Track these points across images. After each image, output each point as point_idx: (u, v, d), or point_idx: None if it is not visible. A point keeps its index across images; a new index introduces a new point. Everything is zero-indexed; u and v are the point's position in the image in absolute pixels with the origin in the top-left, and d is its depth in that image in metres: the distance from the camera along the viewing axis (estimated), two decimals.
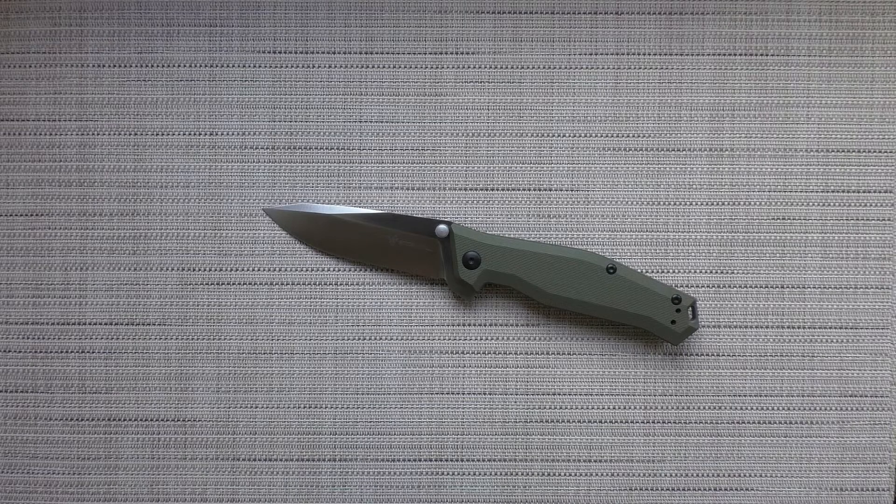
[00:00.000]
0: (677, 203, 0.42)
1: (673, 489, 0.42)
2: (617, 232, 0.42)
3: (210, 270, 0.42)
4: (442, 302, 0.43)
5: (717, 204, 0.42)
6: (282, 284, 0.42)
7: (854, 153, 0.42)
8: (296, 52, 0.42)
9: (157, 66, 0.42)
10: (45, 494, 0.43)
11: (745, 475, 0.42)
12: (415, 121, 0.42)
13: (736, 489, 0.42)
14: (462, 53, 0.42)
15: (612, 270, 0.40)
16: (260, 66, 0.42)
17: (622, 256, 0.42)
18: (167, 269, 0.42)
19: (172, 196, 0.42)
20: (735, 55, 0.42)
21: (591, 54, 0.42)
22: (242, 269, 0.42)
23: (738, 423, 0.42)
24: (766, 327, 0.42)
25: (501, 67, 0.42)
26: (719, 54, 0.42)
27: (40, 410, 0.43)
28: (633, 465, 0.42)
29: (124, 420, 0.42)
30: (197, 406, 0.42)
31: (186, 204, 0.42)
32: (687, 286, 0.42)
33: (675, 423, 0.42)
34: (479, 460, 0.42)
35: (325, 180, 0.42)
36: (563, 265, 0.40)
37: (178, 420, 0.42)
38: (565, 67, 0.42)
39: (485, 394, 0.42)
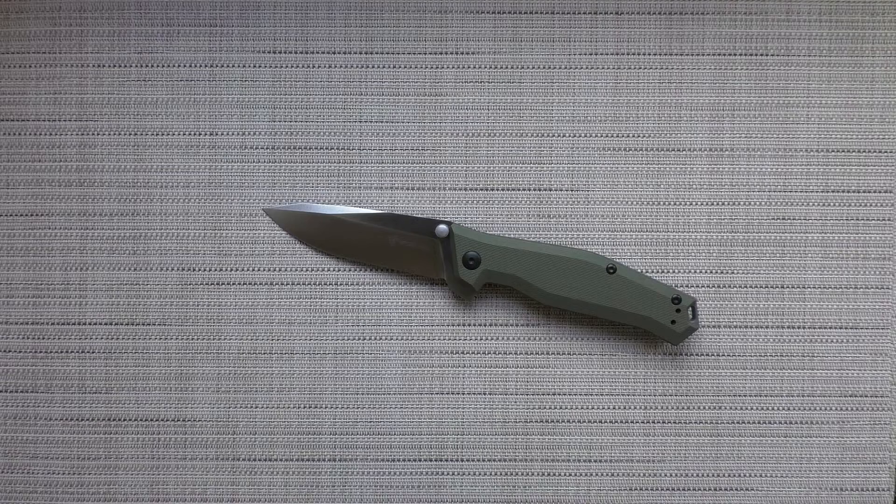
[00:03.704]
0: (677, 203, 0.42)
1: (673, 489, 0.42)
2: (617, 232, 0.42)
3: (210, 270, 0.42)
4: (442, 302, 0.43)
5: (717, 204, 0.42)
6: (282, 284, 0.42)
7: (854, 153, 0.42)
8: (296, 52, 0.42)
9: (157, 66, 0.42)
10: (45, 494, 0.43)
11: (745, 475, 0.42)
12: (415, 121, 0.42)
13: (736, 489, 0.42)
14: (462, 53, 0.42)
15: (612, 270, 0.40)
16: (260, 66, 0.42)
17: (622, 256, 0.42)
18: (167, 269, 0.42)
19: (172, 196, 0.42)
20: (735, 55, 0.42)
21: (591, 54, 0.42)
22: (242, 269, 0.42)
23: (738, 423, 0.42)
24: (766, 327, 0.42)
25: (501, 67, 0.42)
26: (719, 54, 0.42)
27: (40, 410, 0.43)
28: (633, 465, 0.42)
29: (124, 420, 0.42)
30: (197, 406, 0.42)
31: (186, 204, 0.42)
32: (687, 286, 0.42)
33: (675, 423, 0.42)
34: (479, 460, 0.42)
35: (325, 180, 0.42)
36: (563, 265, 0.40)
37: (178, 420, 0.42)
38: (565, 67, 0.42)
39: (485, 394, 0.42)
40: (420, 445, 0.42)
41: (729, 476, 0.42)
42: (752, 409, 0.42)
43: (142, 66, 0.42)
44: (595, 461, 0.42)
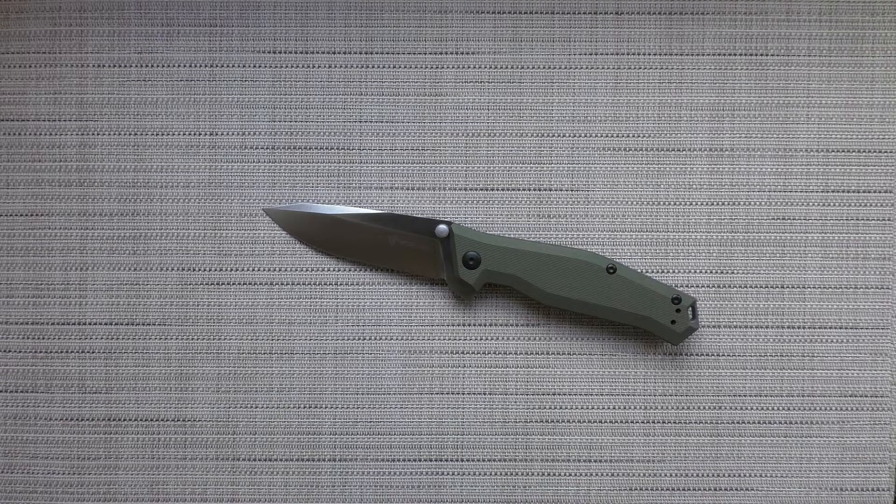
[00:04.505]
0: (677, 203, 0.42)
1: (673, 489, 0.42)
2: (617, 232, 0.42)
3: (210, 270, 0.42)
4: (442, 302, 0.43)
5: (717, 204, 0.42)
6: (282, 284, 0.42)
7: (854, 153, 0.42)
8: (296, 52, 0.42)
9: (157, 66, 0.42)
10: (45, 494, 0.43)
11: (745, 475, 0.42)
12: (415, 121, 0.42)
13: (736, 489, 0.42)
14: (462, 53, 0.42)
15: (612, 270, 0.40)
16: (260, 66, 0.42)
17: (622, 256, 0.42)
18: (167, 269, 0.42)
19: (172, 196, 0.42)
20: (735, 55, 0.42)
21: (591, 54, 0.42)
22: (242, 269, 0.42)
23: (738, 423, 0.42)
24: (766, 327, 0.42)
25: (501, 67, 0.42)
26: (719, 54, 0.42)
27: (40, 410, 0.43)
28: (633, 465, 0.42)
29: (124, 420, 0.42)
30: (197, 406, 0.42)
31: (186, 204, 0.42)
32: (687, 286, 0.42)
33: (675, 423, 0.42)
34: (479, 460, 0.42)
35: (325, 180, 0.42)
36: (563, 265, 0.40)
37: (178, 420, 0.42)
38: (565, 67, 0.42)
39: (485, 394, 0.42)
40: (420, 445, 0.42)
41: (729, 476, 0.42)
42: (752, 409, 0.42)
43: (142, 66, 0.42)
44: (595, 461, 0.42)
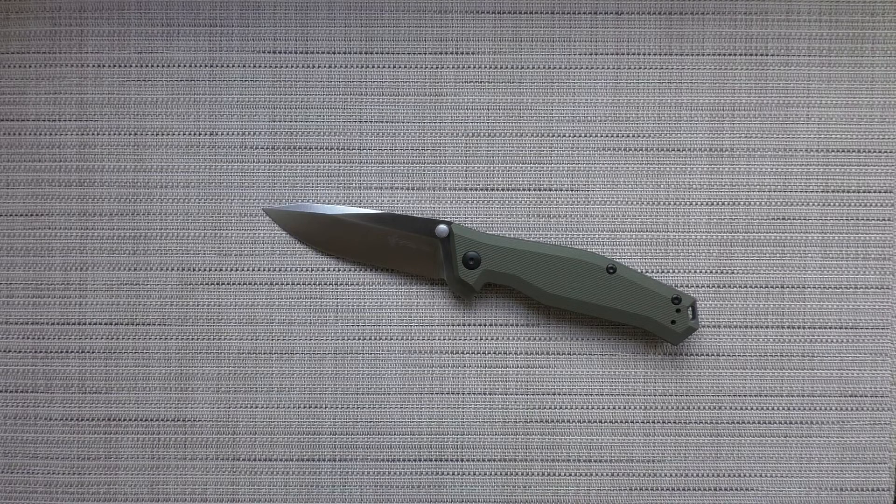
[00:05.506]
0: (677, 203, 0.42)
1: (673, 489, 0.42)
2: (617, 232, 0.42)
3: (210, 270, 0.42)
4: (442, 302, 0.43)
5: (717, 204, 0.42)
6: (282, 284, 0.42)
7: (854, 153, 0.42)
8: (296, 52, 0.42)
9: (157, 66, 0.42)
10: (45, 494, 0.43)
11: (745, 475, 0.42)
12: (415, 121, 0.42)
13: (736, 489, 0.42)
14: (462, 53, 0.42)
15: (612, 270, 0.40)
16: (260, 66, 0.42)
17: (622, 256, 0.42)
18: (167, 269, 0.42)
19: (172, 196, 0.42)
20: (735, 55, 0.42)
21: (591, 54, 0.42)
22: (242, 269, 0.42)
23: (738, 423, 0.42)
24: (766, 327, 0.42)
25: (501, 67, 0.42)
26: (719, 54, 0.42)
27: (40, 410, 0.43)
28: (633, 465, 0.42)
29: (124, 420, 0.42)
30: (197, 406, 0.42)
31: (186, 204, 0.42)
32: (687, 286, 0.42)
33: (675, 423, 0.42)
34: (479, 460, 0.42)
35: (325, 180, 0.42)
36: (563, 265, 0.40)
37: (178, 420, 0.42)
38: (565, 67, 0.42)
39: (485, 394, 0.42)
40: (420, 445, 0.42)
41: (729, 476, 0.42)
42: (752, 409, 0.42)
43: (142, 66, 0.42)
44: (595, 461, 0.42)
